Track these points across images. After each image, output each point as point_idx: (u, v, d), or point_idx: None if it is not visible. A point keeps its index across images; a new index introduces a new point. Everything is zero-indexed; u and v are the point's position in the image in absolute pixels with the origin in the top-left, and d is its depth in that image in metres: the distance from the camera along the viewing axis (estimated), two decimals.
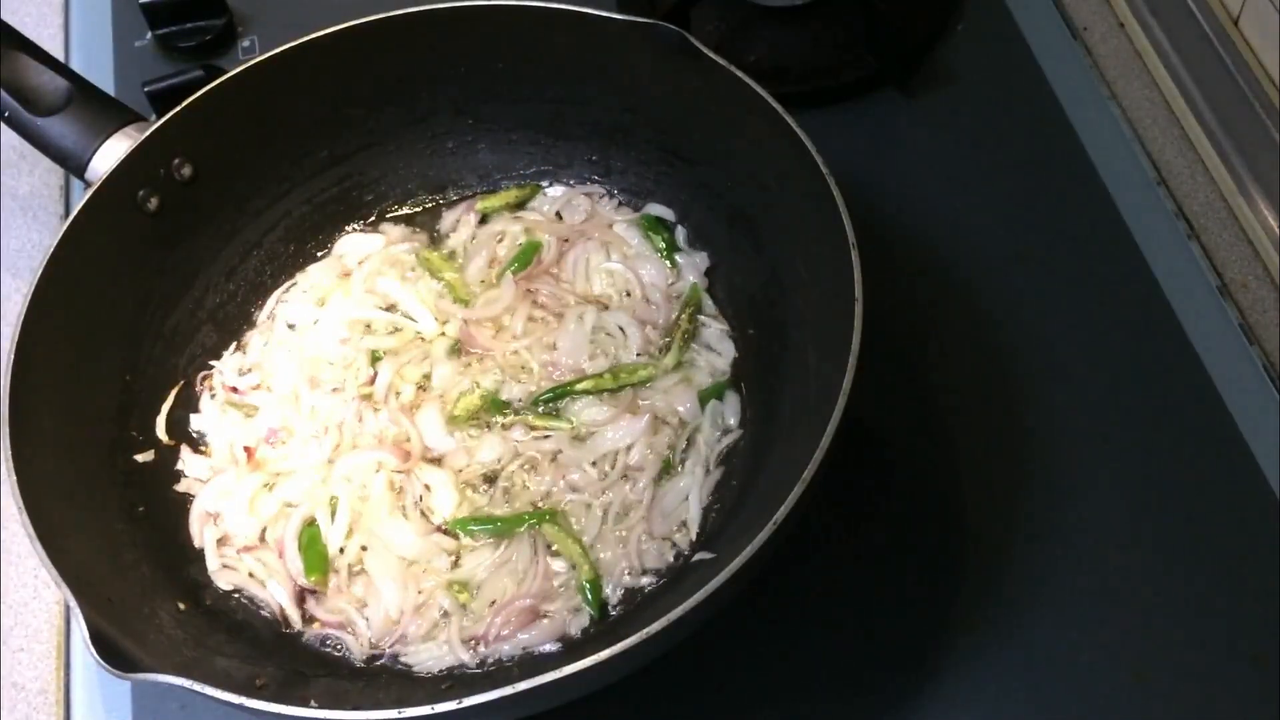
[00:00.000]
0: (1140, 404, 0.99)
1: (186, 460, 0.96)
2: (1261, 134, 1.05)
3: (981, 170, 1.12)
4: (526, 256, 1.03)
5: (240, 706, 0.73)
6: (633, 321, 0.99)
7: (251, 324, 1.03)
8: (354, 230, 1.07)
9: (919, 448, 0.98)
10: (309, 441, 0.96)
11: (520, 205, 1.07)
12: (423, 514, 0.93)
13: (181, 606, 0.87)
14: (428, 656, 0.88)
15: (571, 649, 0.87)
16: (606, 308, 1.01)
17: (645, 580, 0.89)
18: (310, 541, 0.91)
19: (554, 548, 0.90)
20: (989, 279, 1.06)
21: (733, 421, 0.96)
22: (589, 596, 0.88)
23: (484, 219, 1.07)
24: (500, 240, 1.05)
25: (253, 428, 0.97)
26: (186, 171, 0.98)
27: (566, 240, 1.04)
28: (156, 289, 0.98)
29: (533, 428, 0.96)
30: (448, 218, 1.07)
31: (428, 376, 0.99)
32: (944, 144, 1.14)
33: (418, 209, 1.08)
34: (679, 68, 0.95)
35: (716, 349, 0.99)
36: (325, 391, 0.98)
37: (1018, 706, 0.88)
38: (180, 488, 0.95)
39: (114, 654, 0.74)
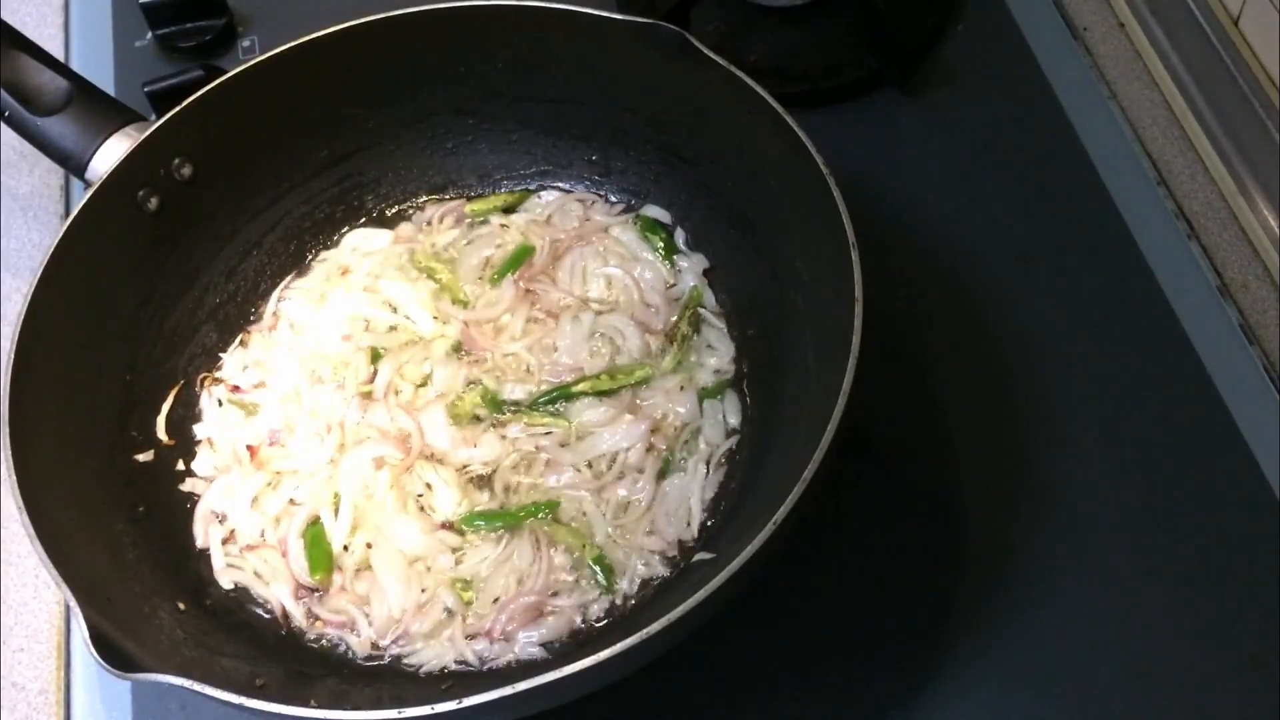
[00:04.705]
0: (1140, 404, 0.99)
1: (198, 457, 0.96)
2: (1261, 134, 1.05)
3: (981, 170, 1.12)
4: (519, 259, 1.03)
5: (240, 706, 0.73)
6: (631, 324, 0.99)
7: (252, 322, 1.03)
8: (360, 227, 1.07)
9: (919, 448, 0.99)
10: (311, 440, 0.96)
11: (511, 209, 1.07)
12: (423, 511, 0.93)
13: (182, 606, 0.87)
14: (430, 655, 0.88)
15: (578, 646, 0.87)
16: (606, 310, 1.01)
17: (647, 578, 0.90)
18: (314, 540, 0.91)
19: (555, 540, 0.90)
20: (989, 279, 1.06)
21: (733, 421, 0.96)
22: (599, 574, 0.89)
23: (476, 221, 1.07)
24: (493, 242, 1.05)
25: (255, 427, 0.97)
26: (186, 171, 0.98)
27: (560, 244, 1.04)
28: (156, 289, 0.98)
29: (531, 426, 0.96)
30: (427, 214, 1.07)
31: (428, 376, 0.99)
32: (944, 144, 1.14)
33: (418, 209, 1.08)
34: (679, 68, 0.95)
35: (716, 349, 0.99)
36: (327, 389, 0.98)
37: (1017, 707, 0.88)
38: (185, 487, 0.95)
39: (114, 654, 0.74)
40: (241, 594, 0.91)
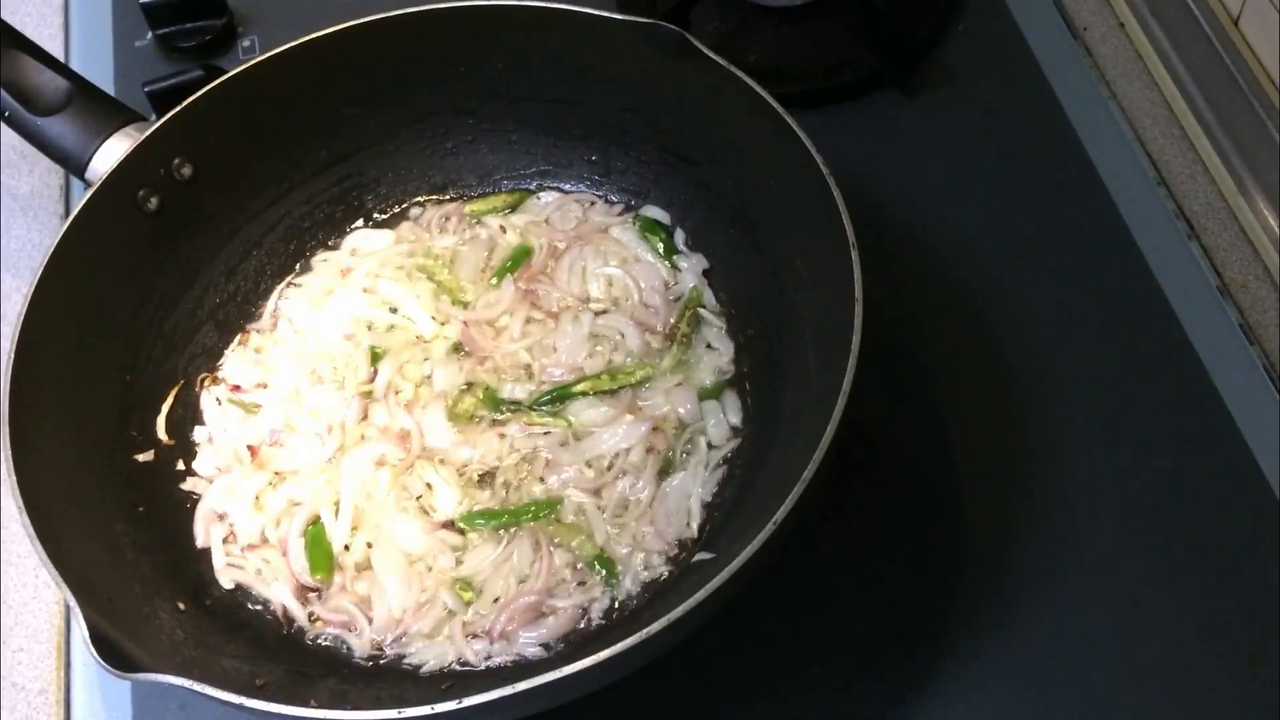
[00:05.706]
0: (1140, 404, 0.99)
1: (198, 457, 0.96)
2: (1261, 134, 1.05)
3: (981, 170, 1.12)
4: (517, 261, 1.03)
5: (240, 706, 0.73)
6: (631, 324, 0.99)
7: (253, 322, 1.03)
8: (362, 227, 1.07)
9: (919, 448, 0.98)
10: (311, 439, 0.96)
11: (510, 210, 1.07)
12: (424, 511, 0.93)
13: (182, 606, 0.87)
14: (431, 655, 0.88)
15: (578, 646, 0.87)
16: (605, 311, 1.01)
17: (647, 578, 0.90)
18: (315, 540, 0.91)
19: (556, 539, 0.91)
20: (989, 279, 1.06)
21: (733, 421, 0.96)
22: (600, 574, 0.89)
23: (475, 221, 1.07)
24: (491, 244, 1.05)
25: (255, 426, 0.97)
26: (186, 171, 0.98)
27: (560, 244, 1.04)
28: (156, 289, 0.98)
29: (531, 426, 0.96)
30: (427, 214, 1.07)
31: (428, 376, 0.99)
32: (944, 144, 1.14)
33: (418, 209, 1.08)
34: (679, 68, 0.95)
35: (717, 349, 0.99)
36: (327, 389, 0.98)
37: (1018, 707, 0.88)
38: (185, 487, 0.95)
39: (114, 654, 0.74)
40: (242, 594, 0.91)
